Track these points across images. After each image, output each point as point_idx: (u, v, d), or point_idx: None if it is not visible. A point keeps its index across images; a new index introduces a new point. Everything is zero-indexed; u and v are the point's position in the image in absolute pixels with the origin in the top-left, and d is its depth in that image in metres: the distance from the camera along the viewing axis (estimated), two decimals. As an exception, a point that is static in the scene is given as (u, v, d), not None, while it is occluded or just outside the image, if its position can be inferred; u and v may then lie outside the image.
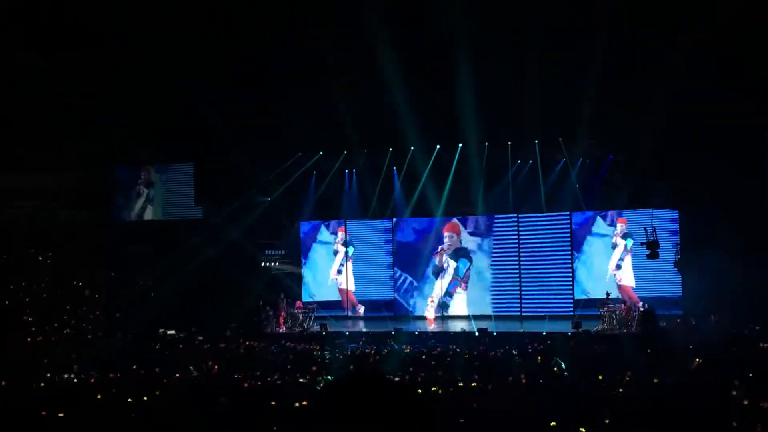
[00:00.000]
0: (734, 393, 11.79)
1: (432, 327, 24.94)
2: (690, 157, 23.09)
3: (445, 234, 27.64)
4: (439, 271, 27.62)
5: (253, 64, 23.08)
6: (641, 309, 23.13)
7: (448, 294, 27.46)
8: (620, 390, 12.87)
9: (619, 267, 26.06)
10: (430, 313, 25.54)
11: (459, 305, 27.38)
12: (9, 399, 12.21)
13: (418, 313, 27.19)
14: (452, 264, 27.50)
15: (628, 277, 26.02)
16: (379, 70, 22.55)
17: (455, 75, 22.69)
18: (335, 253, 28.78)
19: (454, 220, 27.62)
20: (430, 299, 25.87)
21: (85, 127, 24.98)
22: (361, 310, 28.32)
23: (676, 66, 20.94)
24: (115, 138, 25.78)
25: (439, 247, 27.58)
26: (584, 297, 25.78)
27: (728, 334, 19.84)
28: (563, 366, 15.00)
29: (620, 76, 21.88)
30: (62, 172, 27.59)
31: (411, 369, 15.98)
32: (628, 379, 13.90)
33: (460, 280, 27.38)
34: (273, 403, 11.31)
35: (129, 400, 12.35)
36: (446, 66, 22.72)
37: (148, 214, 28.40)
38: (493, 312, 26.90)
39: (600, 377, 13.81)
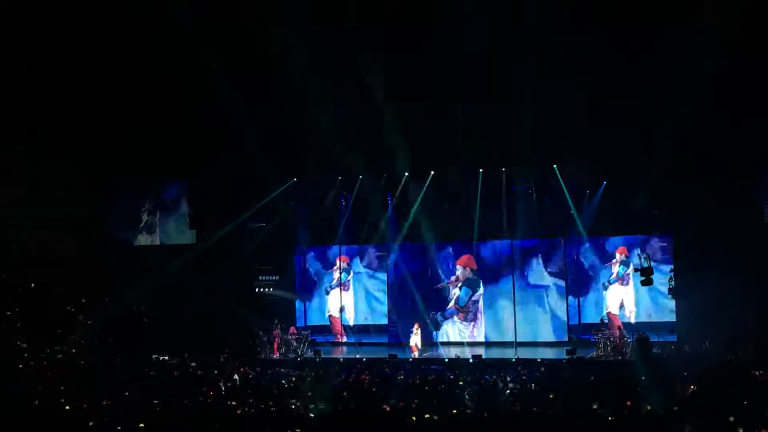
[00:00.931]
0: (731, 420, 11.78)
1: (415, 354, 24.63)
2: (684, 184, 23.18)
3: (459, 266, 27.59)
4: (445, 299, 27.61)
5: (250, 88, 23.16)
6: (634, 336, 23.12)
7: (453, 321, 27.42)
8: (613, 418, 12.81)
9: (620, 297, 26.13)
10: (415, 340, 25.31)
11: (456, 332, 27.34)
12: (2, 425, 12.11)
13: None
14: (458, 293, 27.48)
15: (617, 306, 26.06)
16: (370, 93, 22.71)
17: (450, 101, 22.87)
18: (333, 279, 28.76)
19: (469, 254, 27.53)
20: (415, 326, 25.62)
21: (78, 150, 24.96)
22: (346, 338, 28.34)
23: (671, 93, 21.11)
24: (108, 161, 25.77)
25: (452, 278, 27.53)
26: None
27: (722, 361, 19.81)
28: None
29: (614, 103, 21.95)
30: (59, 190, 27.46)
31: (405, 395, 15.90)
32: (623, 406, 13.84)
33: (464, 308, 27.28)
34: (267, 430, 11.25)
35: (119, 428, 12.28)
36: (441, 92, 22.89)
37: (155, 240, 28.32)
38: (488, 339, 26.88)
39: (594, 406, 13.73)
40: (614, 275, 26.18)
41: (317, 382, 18.15)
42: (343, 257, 28.65)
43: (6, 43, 21.69)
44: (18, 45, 21.85)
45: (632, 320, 25.72)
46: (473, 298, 27.21)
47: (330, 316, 28.71)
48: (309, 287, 28.94)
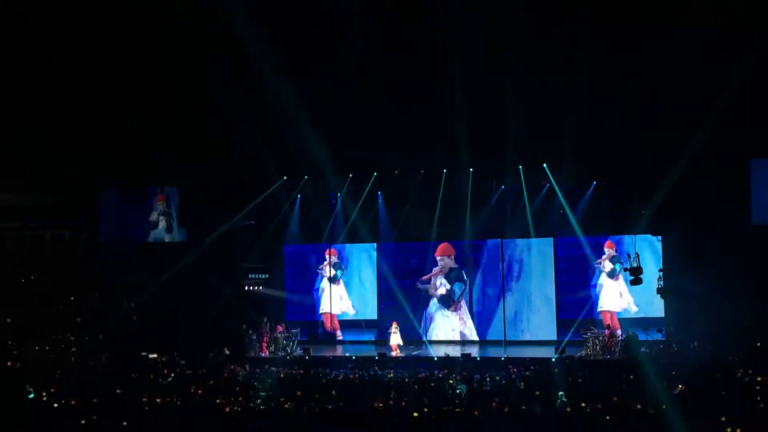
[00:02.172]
0: (723, 420, 11.87)
1: (396, 354, 24.42)
2: (673, 184, 23.26)
3: (438, 257, 27.66)
4: (432, 295, 27.68)
5: (245, 88, 23.16)
6: (623, 335, 23.21)
7: (447, 318, 27.45)
8: (607, 417, 12.89)
9: (611, 293, 26.20)
10: (395, 339, 25.26)
11: (445, 328, 27.41)
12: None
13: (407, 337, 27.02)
14: (447, 286, 27.51)
15: (612, 303, 26.11)
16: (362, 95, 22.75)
17: (442, 100, 22.92)
18: (322, 275, 28.79)
19: (446, 242, 27.64)
20: (394, 325, 25.55)
21: (72, 149, 24.93)
22: (340, 334, 28.38)
23: (659, 92, 21.22)
24: (101, 160, 25.75)
25: (433, 270, 27.61)
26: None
27: (710, 360, 19.91)
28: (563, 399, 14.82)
29: (603, 102, 22.03)
30: (48, 193, 27.47)
31: (393, 394, 15.94)
32: (612, 405, 13.91)
33: (456, 303, 27.35)
34: (257, 428, 11.27)
35: (110, 424, 12.28)
36: (434, 90, 22.94)
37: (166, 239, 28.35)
38: (477, 337, 26.97)
39: (583, 404, 13.81)
40: (604, 271, 26.21)
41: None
42: (332, 251, 28.66)
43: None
44: (9, 45, 21.83)
45: (632, 309, 25.81)
46: (465, 290, 27.32)
47: (322, 313, 28.72)
48: (298, 285, 28.92)
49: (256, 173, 26.43)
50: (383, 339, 26.23)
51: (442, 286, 27.56)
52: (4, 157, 25.97)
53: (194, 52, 21.43)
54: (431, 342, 26.82)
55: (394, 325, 25.45)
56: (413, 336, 26.61)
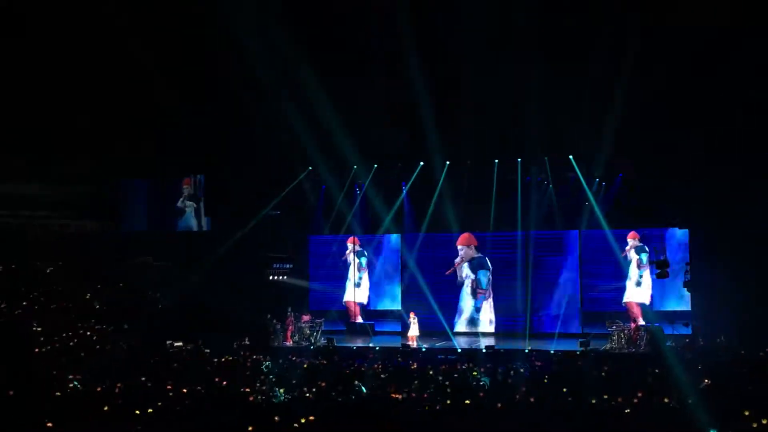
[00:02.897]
0: (746, 414, 11.72)
1: (412, 344, 24.30)
2: (701, 176, 23.02)
3: (459, 246, 27.58)
4: (460, 286, 27.60)
5: (265, 78, 23.18)
6: (648, 328, 23.04)
7: (477, 309, 27.41)
8: (627, 410, 12.79)
9: (639, 284, 25.93)
10: (413, 330, 25.13)
11: (486, 318, 27.39)
12: (16, 409, 12.20)
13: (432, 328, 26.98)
14: (471, 276, 27.45)
15: (639, 294, 25.88)
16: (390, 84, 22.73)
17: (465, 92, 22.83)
18: (347, 264, 28.80)
19: (468, 233, 27.54)
20: (411, 315, 25.55)
21: (95, 140, 25.14)
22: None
23: (688, 82, 20.98)
24: (125, 151, 25.94)
25: (455, 261, 27.54)
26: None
27: (737, 355, 19.71)
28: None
29: (629, 93, 21.81)
30: (71, 183, 27.75)
31: (415, 384, 15.91)
32: (637, 399, 13.80)
33: (484, 291, 27.29)
34: (276, 418, 11.26)
35: (136, 411, 12.33)
36: (457, 81, 22.86)
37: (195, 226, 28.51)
38: (501, 329, 26.88)
39: (605, 396, 13.70)
40: (630, 262, 25.97)
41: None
42: (354, 239, 28.66)
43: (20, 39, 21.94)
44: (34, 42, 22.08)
45: (654, 302, 25.61)
46: (490, 278, 27.26)
47: (346, 302, 28.74)
48: (323, 274, 28.93)
49: (281, 163, 26.47)
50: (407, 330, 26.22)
51: (467, 277, 27.49)
52: (30, 148, 26.28)
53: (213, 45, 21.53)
54: (458, 334, 26.75)
55: (412, 315, 25.42)
56: (438, 327, 26.54)
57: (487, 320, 27.30)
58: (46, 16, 21.80)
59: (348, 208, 28.68)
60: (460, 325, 27.46)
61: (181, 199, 28.44)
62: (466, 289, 27.52)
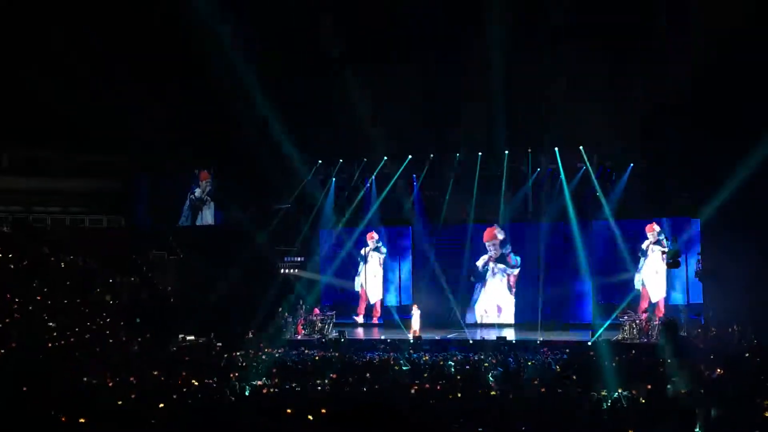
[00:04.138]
0: (758, 401, 11.69)
1: (412, 337, 24.06)
2: (713, 166, 22.88)
3: (486, 242, 27.61)
4: (482, 278, 27.67)
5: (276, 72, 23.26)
6: (661, 318, 22.99)
7: (490, 301, 27.59)
8: (642, 400, 12.77)
9: (656, 275, 25.86)
10: (416, 323, 25.02)
11: (496, 310, 27.50)
12: (30, 403, 12.26)
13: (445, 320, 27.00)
14: (495, 269, 27.53)
15: (650, 286, 25.81)
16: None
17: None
18: (363, 259, 28.80)
19: (495, 225, 27.52)
20: (414, 307, 25.57)
21: (110, 135, 25.27)
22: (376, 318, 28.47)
23: (703, 73, 20.85)
24: (139, 146, 26.06)
25: (487, 256, 27.53)
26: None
27: (750, 344, 19.65)
28: None
29: (640, 84, 21.73)
30: (86, 178, 27.90)
31: (426, 376, 15.93)
32: (649, 388, 13.78)
33: (505, 283, 27.43)
34: (289, 411, 11.28)
35: (148, 405, 12.37)
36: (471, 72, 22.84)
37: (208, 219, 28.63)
38: (516, 321, 26.88)
39: (620, 389, 13.68)
40: (646, 254, 25.84)
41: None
42: (370, 234, 28.65)
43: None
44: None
45: (669, 294, 25.58)
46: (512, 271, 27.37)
47: (360, 293, 28.80)
48: (334, 268, 28.93)
49: (291, 158, 26.46)
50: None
51: (490, 270, 27.50)
52: (44, 143, 26.42)
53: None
54: (471, 326, 26.77)
55: (415, 307, 25.40)
56: (452, 319, 26.53)
57: (497, 312, 27.30)
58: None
59: (360, 202, 28.59)
60: (475, 317, 27.47)
61: (198, 190, 28.50)
62: (490, 282, 27.51)
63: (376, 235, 28.70)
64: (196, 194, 28.58)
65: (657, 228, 25.65)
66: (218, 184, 28.25)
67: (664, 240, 25.12)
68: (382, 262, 28.78)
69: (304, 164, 27.35)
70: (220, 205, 28.13)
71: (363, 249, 28.79)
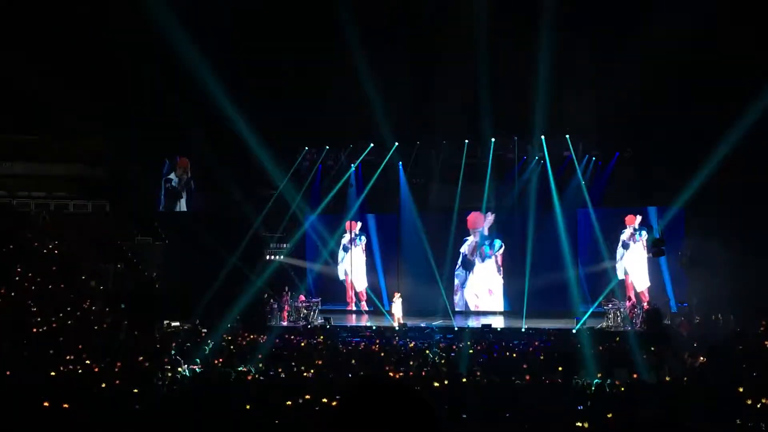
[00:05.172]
0: (740, 390, 11.78)
1: (396, 325, 24.27)
2: (697, 156, 22.95)
3: (471, 228, 27.74)
4: (464, 265, 27.70)
5: (264, 58, 23.11)
6: (645, 306, 23.12)
7: (478, 287, 27.70)
8: (622, 388, 12.85)
9: (638, 265, 26.01)
10: (397, 310, 25.11)
11: (482, 297, 27.57)
12: (13, 390, 12.22)
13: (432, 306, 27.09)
14: (479, 255, 27.75)
15: (634, 275, 25.94)
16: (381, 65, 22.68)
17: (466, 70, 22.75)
18: (345, 248, 28.76)
19: (478, 212, 27.58)
20: (396, 295, 25.58)
21: (95, 121, 25.08)
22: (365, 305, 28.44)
23: (685, 63, 20.88)
24: (124, 132, 25.87)
25: (472, 240, 27.56)
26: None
27: (733, 332, 19.78)
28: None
29: (624, 72, 21.71)
30: (71, 163, 27.69)
31: (412, 363, 15.96)
32: (633, 376, 13.87)
33: (489, 269, 27.50)
34: (274, 397, 11.30)
35: (134, 390, 12.37)
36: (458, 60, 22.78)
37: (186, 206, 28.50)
38: (502, 309, 26.98)
39: (600, 375, 13.78)
40: (628, 243, 25.98)
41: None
42: (352, 223, 28.62)
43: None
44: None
45: (650, 282, 25.71)
46: (497, 257, 27.43)
47: (345, 281, 28.81)
48: (319, 255, 28.92)
49: (276, 144, 26.33)
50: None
51: (473, 256, 27.58)
52: (29, 128, 26.20)
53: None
54: (458, 313, 26.84)
55: (396, 295, 25.44)
56: (438, 305, 26.60)
57: (488, 294, 27.36)
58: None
59: (344, 188, 28.55)
60: (465, 302, 27.55)
61: (176, 177, 28.34)
62: (478, 266, 27.59)
63: (358, 224, 28.66)
64: (173, 182, 28.40)
65: (639, 218, 25.79)
66: (199, 170, 28.05)
67: (645, 231, 25.24)
68: (365, 249, 28.75)
69: (290, 150, 27.24)
70: (203, 190, 27.94)
71: (345, 237, 28.75)
